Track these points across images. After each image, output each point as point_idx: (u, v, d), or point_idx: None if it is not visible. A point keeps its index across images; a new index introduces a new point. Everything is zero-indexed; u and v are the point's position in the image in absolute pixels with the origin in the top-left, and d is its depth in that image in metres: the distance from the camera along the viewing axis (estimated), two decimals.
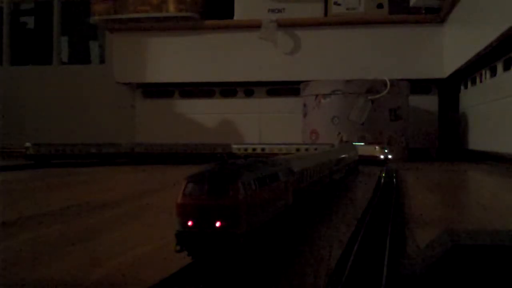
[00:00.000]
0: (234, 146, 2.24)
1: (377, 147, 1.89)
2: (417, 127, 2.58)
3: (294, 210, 0.67)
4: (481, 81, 2.38)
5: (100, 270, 0.54)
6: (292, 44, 2.72)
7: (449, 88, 2.78)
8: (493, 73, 2.18)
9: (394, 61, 2.62)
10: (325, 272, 0.51)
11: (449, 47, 2.53)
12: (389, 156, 1.84)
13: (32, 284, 0.50)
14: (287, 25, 2.69)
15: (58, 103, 3.22)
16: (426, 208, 1.04)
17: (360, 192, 1.25)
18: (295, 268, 0.54)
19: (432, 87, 2.72)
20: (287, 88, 2.78)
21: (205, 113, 2.87)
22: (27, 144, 2.28)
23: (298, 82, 2.56)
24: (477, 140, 2.40)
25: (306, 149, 2.00)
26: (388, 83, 2.29)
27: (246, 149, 2.18)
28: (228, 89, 2.88)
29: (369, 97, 2.29)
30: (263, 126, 2.80)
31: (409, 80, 2.45)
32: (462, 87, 2.73)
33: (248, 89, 2.86)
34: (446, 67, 2.55)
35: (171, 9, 2.72)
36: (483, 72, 2.31)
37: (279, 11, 2.69)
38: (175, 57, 2.81)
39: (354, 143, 1.99)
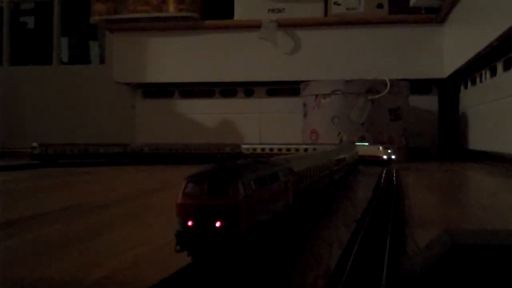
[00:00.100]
0: (244, 146, 2.25)
1: (380, 147, 1.87)
2: (417, 127, 2.58)
3: (294, 210, 0.67)
4: (481, 81, 2.38)
5: (100, 270, 0.54)
6: (292, 44, 2.72)
7: (449, 88, 2.78)
8: (493, 73, 2.18)
9: (394, 61, 2.63)
10: (325, 272, 0.51)
11: (449, 47, 2.53)
12: (393, 157, 1.82)
13: (32, 284, 0.50)
14: (287, 25, 2.69)
15: (58, 103, 3.22)
16: (426, 208, 1.04)
17: (360, 192, 1.25)
18: (295, 268, 0.54)
19: (432, 87, 2.72)
20: (287, 88, 2.78)
21: (205, 113, 2.87)
22: (34, 144, 2.29)
23: (298, 82, 2.56)
24: (477, 140, 2.40)
25: (314, 149, 2.01)
26: (388, 83, 2.29)
27: (255, 149, 2.18)
28: (228, 89, 2.88)
29: (369, 97, 2.29)
30: (263, 126, 2.80)
31: (409, 80, 2.45)
32: (462, 87, 2.73)
33: (248, 89, 2.86)
34: (446, 67, 2.56)
35: (171, 9, 2.72)
36: (483, 72, 2.31)
37: (279, 11, 2.69)
38: (175, 57, 2.81)
39: (360, 143, 1.99)
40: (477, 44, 1.96)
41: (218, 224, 0.45)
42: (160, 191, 1.35)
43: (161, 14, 2.73)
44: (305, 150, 2.06)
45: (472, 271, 0.36)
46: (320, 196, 0.93)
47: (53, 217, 0.90)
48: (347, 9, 2.66)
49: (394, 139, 2.31)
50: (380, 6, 2.65)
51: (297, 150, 1.99)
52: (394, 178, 1.41)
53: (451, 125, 2.79)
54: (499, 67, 2.08)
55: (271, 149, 2.14)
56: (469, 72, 2.47)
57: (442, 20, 2.58)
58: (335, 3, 2.66)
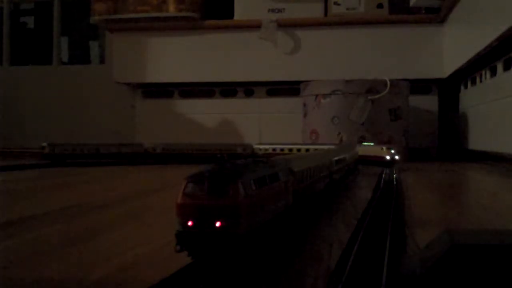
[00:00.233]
0: (256, 147, 2.25)
1: (384, 147, 1.86)
2: (417, 127, 2.58)
3: (294, 210, 0.67)
4: (481, 81, 2.38)
5: (100, 270, 0.54)
6: (292, 44, 2.72)
7: (449, 88, 2.78)
8: (493, 73, 2.18)
9: (394, 61, 2.63)
10: (325, 272, 0.51)
11: (449, 47, 2.53)
12: (396, 157, 1.79)
13: (32, 284, 0.50)
14: (287, 25, 2.69)
15: (58, 103, 3.22)
16: (426, 208, 1.04)
17: (360, 192, 1.25)
18: (295, 268, 0.54)
19: (432, 87, 2.72)
20: (287, 88, 2.78)
21: (205, 113, 2.87)
22: (44, 144, 2.30)
23: (298, 82, 2.56)
24: (477, 140, 2.40)
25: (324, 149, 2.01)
26: (388, 83, 2.29)
27: (267, 150, 2.19)
28: (228, 89, 2.88)
29: (369, 97, 2.29)
30: (263, 126, 2.80)
31: (409, 80, 2.45)
32: (462, 87, 2.73)
33: (248, 89, 2.86)
34: (446, 67, 2.56)
35: (171, 9, 2.72)
36: (483, 72, 2.31)
37: (279, 11, 2.69)
38: (175, 57, 2.81)
39: (367, 144, 1.98)
40: (477, 44, 1.96)
41: (218, 224, 0.45)
42: (160, 191, 1.35)
43: (161, 14, 2.73)
44: (315, 150, 2.07)
45: (472, 271, 0.36)
46: (320, 196, 0.92)
47: (53, 217, 0.90)
48: (347, 9, 2.66)
49: (394, 139, 2.31)
50: (380, 6, 2.65)
51: (307, 150, 2.00)
52: (394, 178, 1.41)
53: (451, 125, 2.79)
54: (499, 67, 2.08)
55: (281, 149, 2.15)
56: (469, 72, 2.47)
57: (442, 20, 2.58)
58: (335, 3, 2.66)
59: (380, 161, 1.79)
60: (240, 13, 2.72)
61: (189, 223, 0.46)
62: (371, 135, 2.27)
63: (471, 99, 2.54)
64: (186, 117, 2.87)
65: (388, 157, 1.78)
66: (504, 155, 2.03)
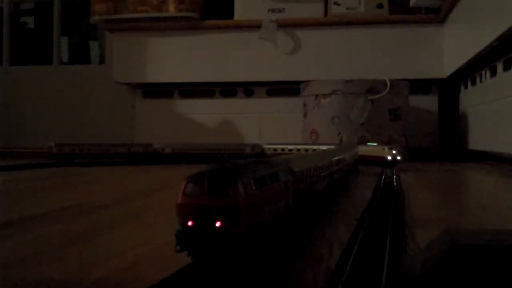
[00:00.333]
0: (265, 146, 2.26)
1: (385, 148, 1.86)
2: (417, 127, 2.58)
3: (294, 210, 0.67)
4: (481, 81, 2.38)
5: (100, 270, 0.54)
6: (292, 44, 2.72)
7: (449, 88, 2.78)
8: (493, 73, 2.18)
9: (394, 61, 2.63)
10: (325, 272, 0.51)
11: (449, 47, 2.53)
12: (398, 157, 1.79)
13: (32, 284, 0.50)
14: (287, 25, 2.69)
15: (58, 103, 3.22)
16: (426, 208, 1.04)
17: (360, 192, 1.25)
18: (295, 268, 0.54)
19: (432, 87, 2.72)
20: (287, 88, 2.78)
21: (205, 113, 2.87)
22: (51, 144, 2.30)
23: (298, 82, 2.56)
24: (477, 140, 2.40)
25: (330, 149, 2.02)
26: (388, 83, 2.29)
27: (275, 149, 2.20)
28: (228, 89, 2.88)
29: (369, 97, 2.29)
30: (263, 126, 2.80)
31: (409, 80, 2.45)
32: (462, 87, 2.73)
33: (248, 89, 2.86)
34: (446, 67, 2.56)
35: (171, 9, 2.72)
36: (483, 72, 2.31)
37: (279, 11, 2.69)
38: (175, 57, 2.81)
39: (371, 144, 1.99)
40: (477, 44, 1.96)
41: (218, 224, 0.45)
42: (160, 191, 1.35)
43: (161, 14, 2.73)
44: (323, 150, 2.08)
45: (472, 271, 0.36)
46: (320, 196, 0.92)
47: (53, 217, 0.90)
48: (347, 9, 2.66)
49: (394, 139, 2.31)
50: (380, 6, 2.65)
51: (314, 150, 2.01)
52: (394, 178, 1.41)
53: (451, 125, 2.79)
54: (499, 67, 2.08)
55: (290, 150, 2.16)
56: (469, 72, 2.47)
57: (442, 20, 2.58)
58: (335, 3, 2.66)
59: (382, 161, 1.79)
60: (240, 13, 2.72)
61: (189, 223, 0.46)
62: (371, 135, 2.27)
63: (471, 99, 2.54)
64: (186, 117, 2.87)
65: (389, 157, 1.78)
66: (504, 155, 2.03)
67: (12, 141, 3.07)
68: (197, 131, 2.83)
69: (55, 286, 0.50)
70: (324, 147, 1.99)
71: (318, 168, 0.87)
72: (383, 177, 1.40)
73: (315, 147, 2.07)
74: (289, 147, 2.17)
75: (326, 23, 2.69)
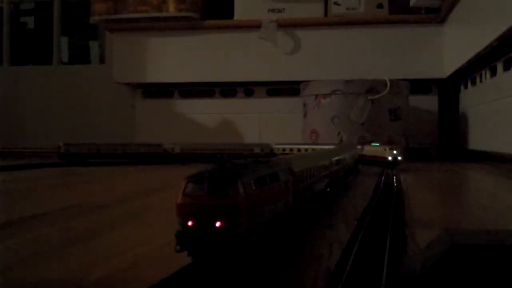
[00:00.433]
0: (275, 146, 2.26)
1: (387, 148, 1.86)
2: (417, 127, 2.58)
3: (294, 210, 0.67)
4: (481, 81, 2.38)
5: (100, 270, 0.54)
6: (292, 44, 2.72)
7: (449, 88, 2.78)
8: (493, 73, 2.18)
9: (394, 61, 2.63)
10: (325, 272, 0.51)
11: (449, 47, 2.53)
12: (399, 158, 1.79)
13: (32, 284, 0.50)
14: (287, 25, 2.69)
15: (58, 103, 3.22)
16: (426, 208, 1.04)
17: (360, 192, 1.25)
18: (295, 268, 0.54)
19: (432, 87, 2.72)
20: (287, 88, 2.78)
21: (205, 113, 2.87)
22: (60, 144, 2.31)
23: (298, 82, 2.56)
24: (477, 140, 2.40)
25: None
26: (388, 83, 2.29)
27: (284, 149, 2.21)
28: (228, 89, 2.88)
29: (369, 97, 2.29)
30: (263, 126, 2.80)
31: (409, 80, 2.45)
32: (462, 87, 2.73)
33: (248, 89, 2.86)
34: (446, 67, 2.56)
35: (171, 9, 2.72)
36: (483, 72, 2.31)
37: (279, 11, 2.69)
38: (175, 57, 2.81)
39: (375, 144, 1.99)
40: (477, 44, 1.96)
41: (218, 224, 0.45)
42: (160, 191, 1.35)
43: (161, 14, 2.73)
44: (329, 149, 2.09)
45: (472, 271, 0.36)
46: (320, 196, 0.92)
47: (53, 217, 0.90)
48: (347, 9, 2.66)
49: (394, 139, 2.31)
50: (380, 6, 2.65)
51: (322, 149, 2.01)
52: (394, 178, 1.41)
53: (451, 125, 2.79)
54: (499, 67, 2.08)
55: (298, 150, 2.16)
56: (469, 72, 2.47)
57: (442, 20, 2.58)
58: (335, 3, 2.66)
59: (383, 162, 1.79)
60: (240, 13, 2.72)
61: (189, 223, 0.46)
62: (371, 135, 2.27)
63: (471, 99, 2.54)
64: (186, 117, 2.87)
65: (390, 158, 1.78)
66: (504, 155, 2.03)
67: (12, 141, 3.07)
68: (197, 131, 2.83)
69: (55, 286, 0.50)
70: (331, 147, 2.00)
71: (318, 168, 0.87)
72: (383, 177, 1.40)
73: (322, 147, 2.08)
74: (298, 147, 2.18)
75: (326, 23, 2.69)
